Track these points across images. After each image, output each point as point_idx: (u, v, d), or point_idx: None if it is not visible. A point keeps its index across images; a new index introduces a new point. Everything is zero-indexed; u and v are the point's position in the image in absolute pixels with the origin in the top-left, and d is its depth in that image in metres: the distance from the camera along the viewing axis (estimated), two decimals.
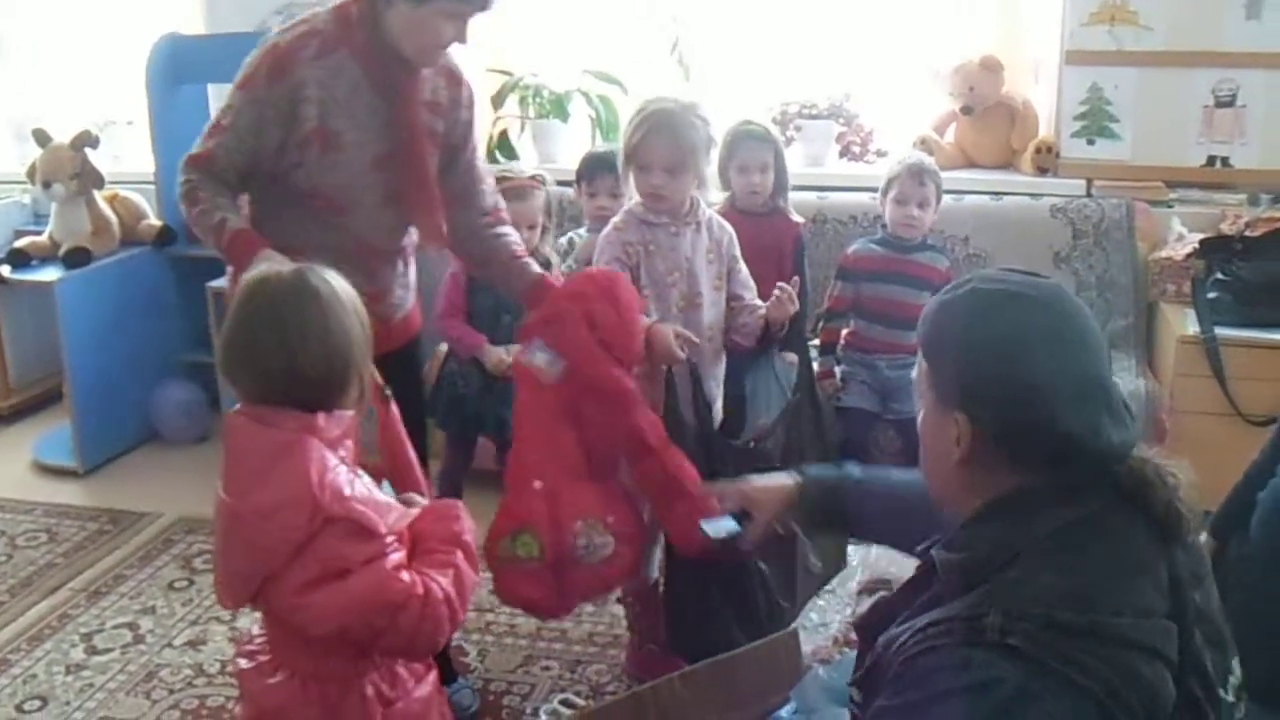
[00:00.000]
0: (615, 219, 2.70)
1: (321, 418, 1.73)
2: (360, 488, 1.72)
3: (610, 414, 2.37)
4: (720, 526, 2.14)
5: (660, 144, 2.57)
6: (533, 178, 3.41)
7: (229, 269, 2.47)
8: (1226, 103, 3.93)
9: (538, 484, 2.33)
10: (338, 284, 1.80)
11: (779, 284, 2.66)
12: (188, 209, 2.35)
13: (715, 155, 2.68)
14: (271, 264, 1.84)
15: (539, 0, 4.62)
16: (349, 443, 1.78)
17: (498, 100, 4.51)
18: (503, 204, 2.69)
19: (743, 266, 2.74)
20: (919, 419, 1.51)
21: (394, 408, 2.04)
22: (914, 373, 1.53)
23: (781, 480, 2.09)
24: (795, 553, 2.60)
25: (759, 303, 2.71)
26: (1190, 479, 1.39)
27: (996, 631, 1.26)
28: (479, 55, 4.55)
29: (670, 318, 2.61)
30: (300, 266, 1.80)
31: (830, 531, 2.23)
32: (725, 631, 2.43)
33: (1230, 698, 1.37)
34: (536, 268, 2.63)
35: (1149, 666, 1.26)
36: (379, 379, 1.95)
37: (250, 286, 1.78)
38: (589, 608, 3.17)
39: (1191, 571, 1.37)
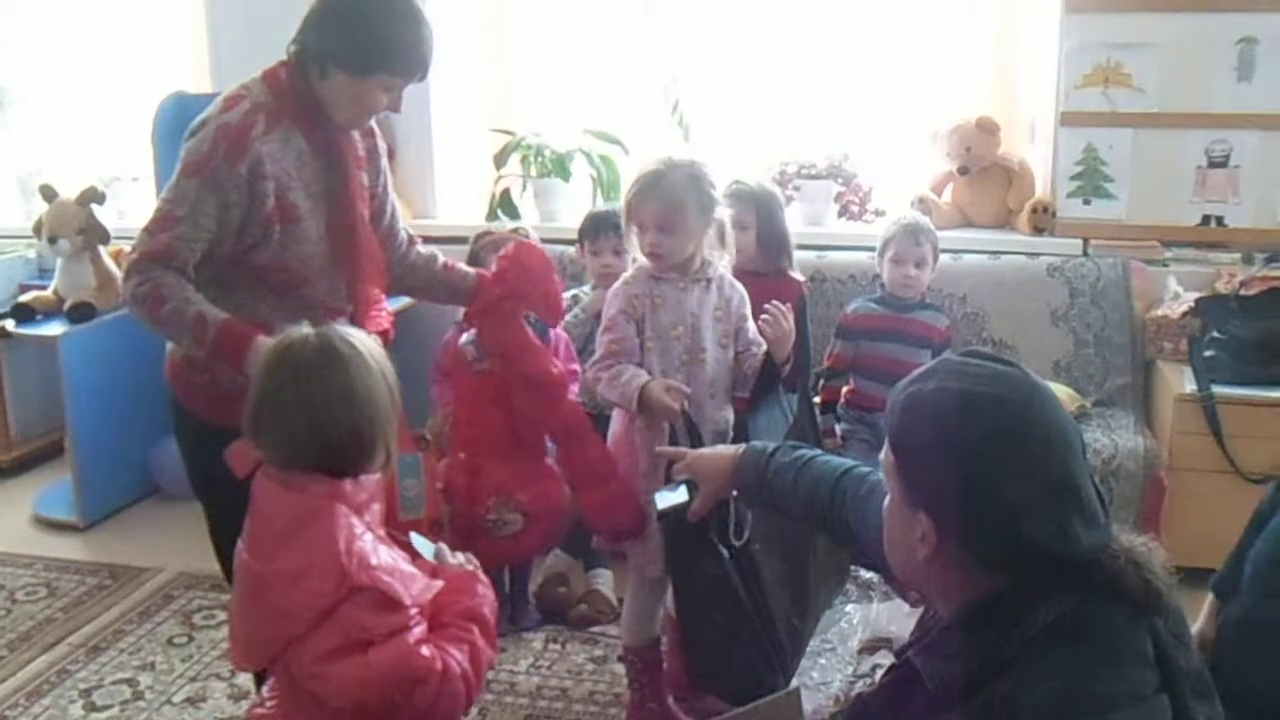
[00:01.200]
0: (627, 274, 2.74)
1: (349, 483, 1.73)
2: (385, 556, 1.72)
3: (538, 401, 2.62)
4: (669, 498, 2.23)
5: (650, 203, 2.62)
6: (515, 229, 3.45)
7: (153, 330, 2.36)
8: (1220, 163, 3.98)
9: (462, 455, 2.65)
10: (363, 344, 1.80)
11: (772, 302, 2.69)
12: (151, 310, 2.23)
13: (720, 213, 2.70)
14: (296, 328, 1.84)
15: (541, 61, 4.69)
16: (376, 506, 1.78)
17: (500, 159, 4.56)
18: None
19: (750, 326, 2.77)
20: (884, 505, 1.48)
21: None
22: (881, 456, 1.50)
23: (727, 451, 2.15)
24: (807, 571, 2.60)
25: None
26: (1161, 555, 1.39)
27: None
28: (481, 115, 4.61)
29: (672, 370, 2.64)
30: (325, 329, 1.81)
31: (760, 506, 2.19)
32: (744, 657, 2.41)
33: None
34: (470, 270, 2.75)
35: None
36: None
37: (276, 352, 1.79)
38: (590, 667, 3.17)
39: (1173, 634, 1.37)
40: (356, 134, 2.49)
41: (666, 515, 2.27)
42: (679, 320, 2.66)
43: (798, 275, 3.43)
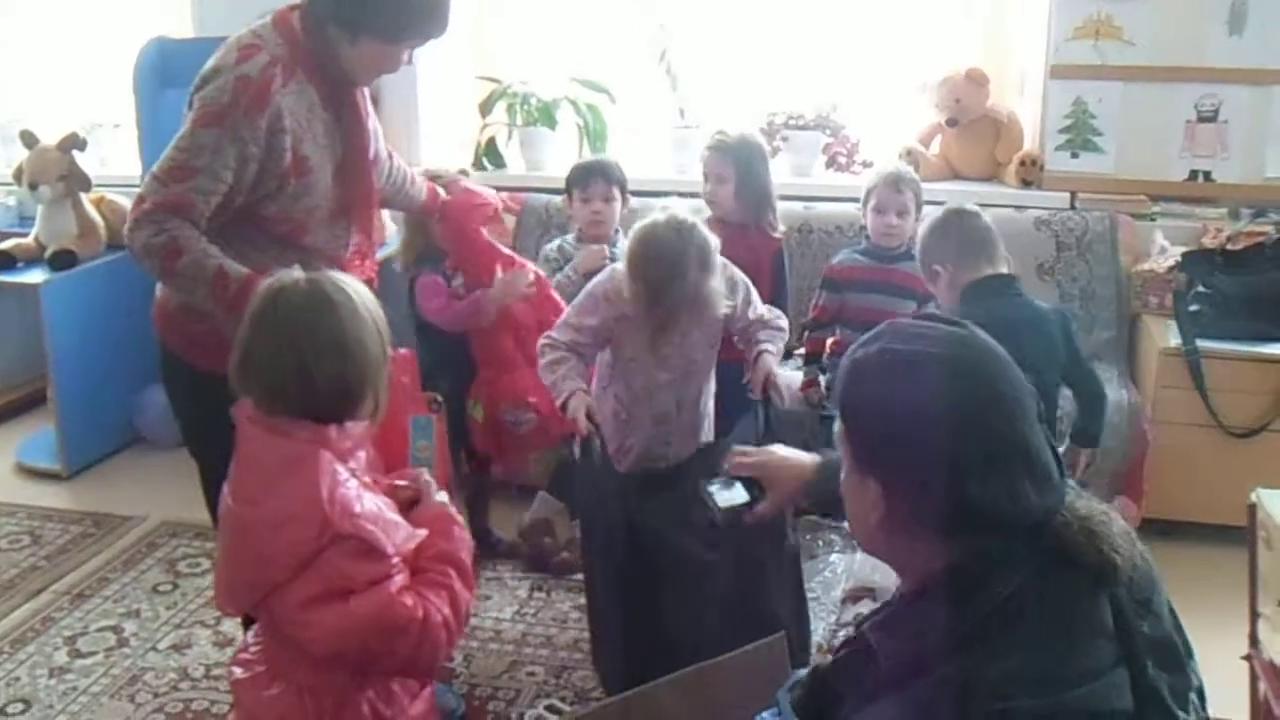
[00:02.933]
0: (616, 267, 2.78)
1: (334, 429, 1.73)
2: (369, 504, 1.72)
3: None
4: (728, 496, 2.05)
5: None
6: (461, 171, 3.45)
7: (164, 281, 2.37)
8: (1209, 117, 3.97)
9: (485, 373, 3.28)
10: (355, 291, 1.79)
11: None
12: (165, 262, 2.21)
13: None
14: (287, 273, 1.82)
15: (528, 9, 4.64)
16: (361, 455, 1.78)
17: (485, 108, 4.52)
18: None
19: (757, 303, 2.87)
20: (842, 475, 1.45)
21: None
22: (835, 426, 1.47)
23: (804, 459, 2.04)
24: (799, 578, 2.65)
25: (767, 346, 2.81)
26: (1121, 524, 1.36)
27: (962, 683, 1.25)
28: (468, 63, 4.56)
29: (655, 386, 2.79)
30: (317, 275, 1.79)
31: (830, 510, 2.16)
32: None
33: (1190, 717, 1.36)
34: (421, 189, 2.97)
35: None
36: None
37: (266, 296, 1.77)
38: (575, 615, 3.19)
39: (1137, 600, 1.35)
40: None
41: (728, 515, 2.07)
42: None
43: (778, 231, 3.42)
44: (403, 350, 2.54)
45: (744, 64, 4.52)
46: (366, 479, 1.78)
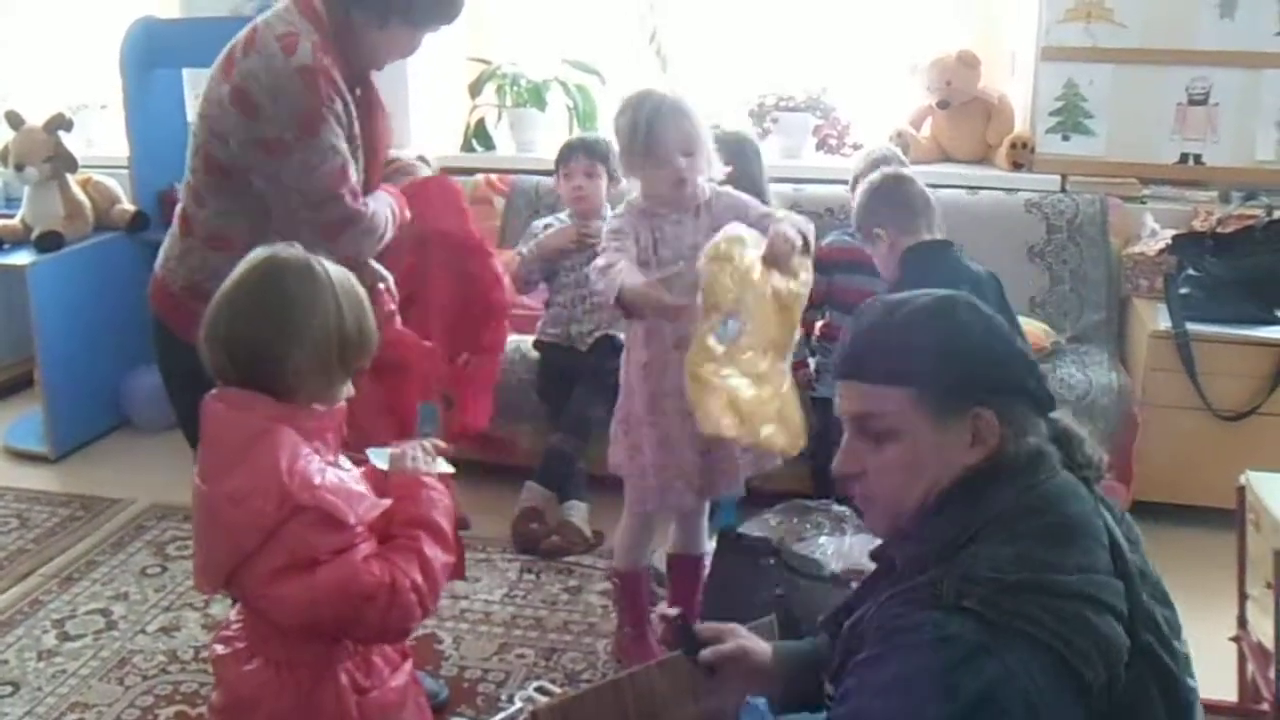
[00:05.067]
0: (617, 210, 2.74)
1: (299, 408, 1.73)
2: (331, 477, 1.71)
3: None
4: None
5: (671, 130, 2.59)
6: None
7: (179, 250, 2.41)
8: (1199, 100, 3.97)
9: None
10: (342, 281, 1.78)
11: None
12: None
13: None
14: (282, 245, 1.81)
15: None
16: (330, 435, 1.78)
17: (475, 89, 4.51)
18: None
19: (760, 207, 2.74)
20: (890, 456, 1.47)
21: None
22: (859, 406, 1.50)
23: (763, 652, 1.78)
24: None
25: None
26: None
27: (952, 595, 1.32)
28: (458, 44, 4.54)
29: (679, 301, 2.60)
30: (309, 254, 1.79)
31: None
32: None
33: (1187, 650, 1.42)
34: None
35: (1099, 617, 1.32)
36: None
37: (254, 265, 1.76)
38: (565, 597, 3.19)
39: (1128, 538, 1.44)
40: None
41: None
42: (679, 254, 2.63)
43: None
44: (426, 343, 2.56)
45: (734, 45, 4.50)
46: (331, 458, 1.77)
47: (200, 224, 2.35)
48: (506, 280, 2.92)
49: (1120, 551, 1.39)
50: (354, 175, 2.28)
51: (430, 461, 1.91)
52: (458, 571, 2.29)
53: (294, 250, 1.79)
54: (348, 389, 1.82)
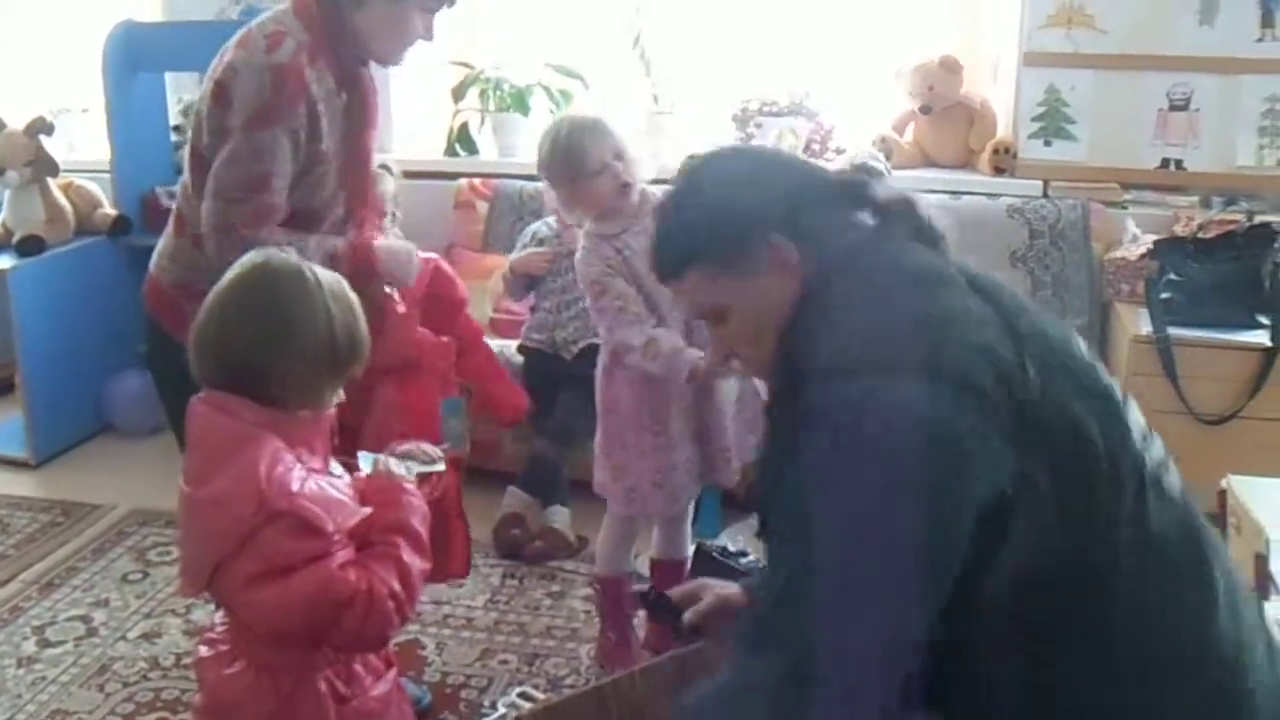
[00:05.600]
0: (582, 244, 2.71)
1: (281, 414, 1.72)
2: (311, 485, 1.71)
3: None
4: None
5: (601, 142, 2.63)
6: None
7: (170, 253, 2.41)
8: (1180, 106, 3.99)
9: None
10: (334, 289, 1.77)
11: None
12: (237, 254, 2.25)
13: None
14: (274, 251, 1.81)
15: None
16: (316, 442, 1.77)
17: (458, 93, 4.51)
18: None
19: None
20: (733, 327, 1.53)
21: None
22: (683, 302, 1.61)
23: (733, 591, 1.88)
24: None
25: None
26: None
27: (836, 370, 1.32)
28: (440, 48, 4.54)
29: (665, 315, 2.62)
30: (302, 261, 1.78)
31: None
32: None
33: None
34: None
35: (978, 333, 1.32)
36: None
37: (246, 269, 1.76)
38: (548, 602, 3.19)
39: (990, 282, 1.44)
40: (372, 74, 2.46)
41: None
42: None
43: None
44: (443, 338, 2.57)
45: (718, 50, 4.50)
46: (315, 465, 1.77)
47: (191, 222, 2.35)
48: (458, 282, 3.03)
49: (978, 284, 1.39)
50: (279, 196, 2.24)
51: (423, 464, 1.91)
52: (462, 568, 2.30)
53: (285, 257, 1.79)
54: (338, 395, 1.82)
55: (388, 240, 2.50)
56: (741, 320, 1.52)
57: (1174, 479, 1.40)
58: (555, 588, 3.29)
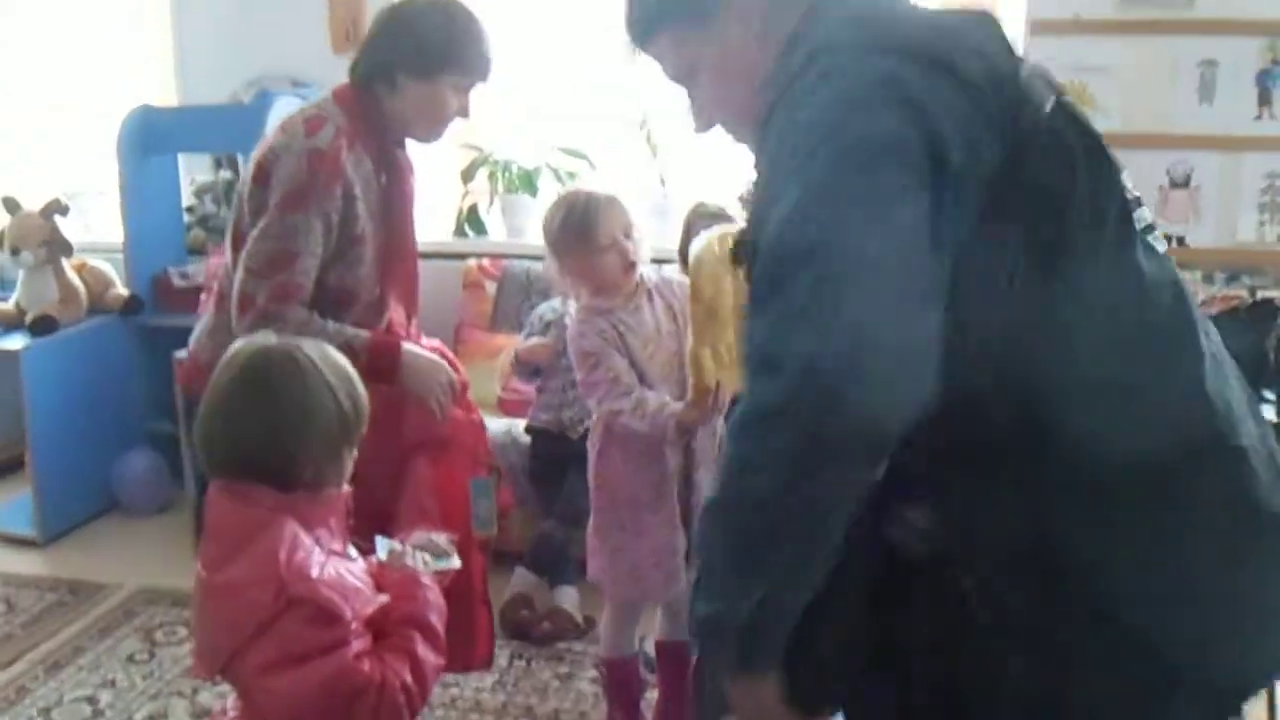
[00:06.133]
0: (576, 318, 2.73)
1: (301, 496, 1.73)
2: (330, 570, 1.71)
3: None
4: None
5: (611, 218, 2.67)
6: None
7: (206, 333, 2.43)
8: (1181, 183, 4.03)
9: None
10: (327, 360, 1.79)
11: None
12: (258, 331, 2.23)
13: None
14: (263, 337, 1.83)
15: (509, 76, 4.68)
16: (333, 521, 1.78)
17: (467, 175, 4.56)
18: None
19: None
20: (705, 84, 1.55)
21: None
22: (661, 68, 1.59)
23: None
24: None
25: None
26: None
27: (819, 51, 1.31)
28: (450, 130, 4.60)
29: (659, 388, 2.64)
30: (289, 343, 1.80)
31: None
32: None
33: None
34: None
35: (978, 43, 1.30)
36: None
37: (241, 359, 1.78)
38: (555, 684, 3.16)
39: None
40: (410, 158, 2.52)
41: None
42: (648, 339, 2.66)
43: None
44: (473, 416, 2.58)
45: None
46: (335, 546, 1.78)
47: (230, 300, 2.40)
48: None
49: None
50: (304, 276, 2.28)
51: (435, 559, 1.91)
52: (486, 659, 2.29)
53: (273, 342, 1.80)
54: (353, 458, 1.83)
55: (417, 349, 2.48)
56: (715, 77, 1.52)
57: (1162, 245, 1.41)
58: (563, 669, 3.27)
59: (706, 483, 2.68)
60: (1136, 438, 1.25)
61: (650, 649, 3.03)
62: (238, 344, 1.82)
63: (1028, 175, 1.25)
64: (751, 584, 1.23)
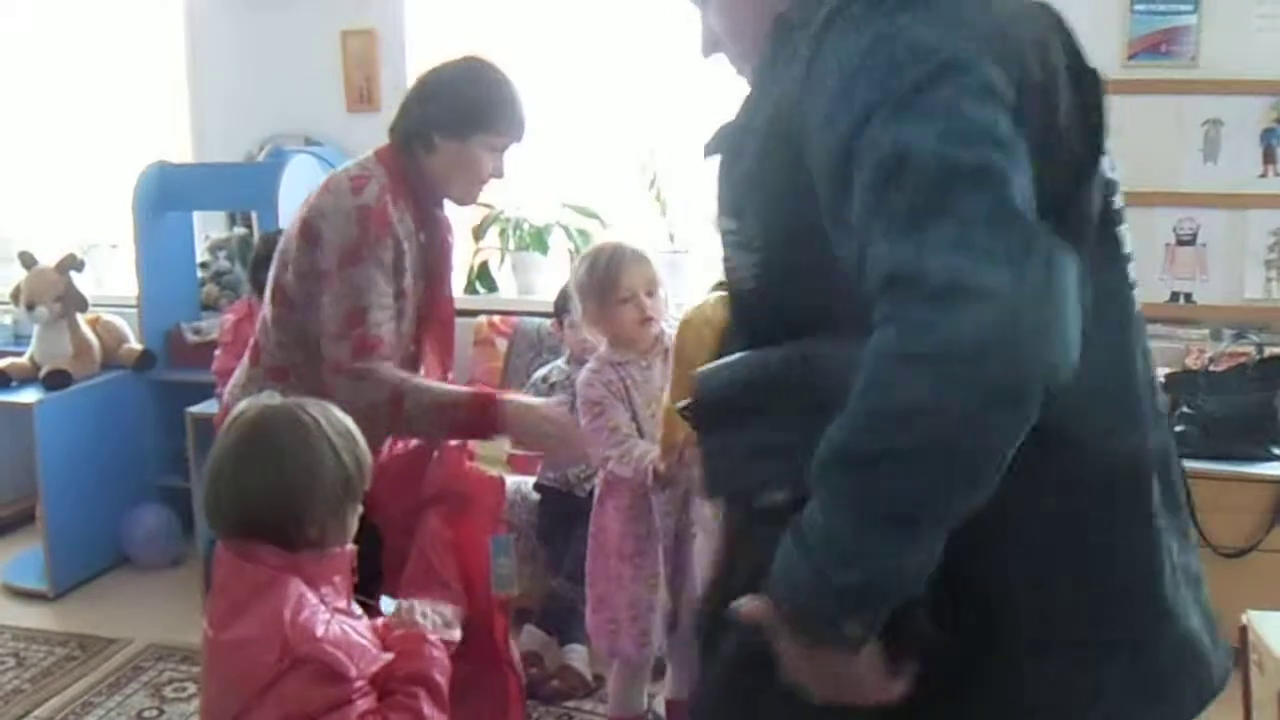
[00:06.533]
0: (590, 365, 2.79)
1: (306, 555, 1.74)
2: (335, 628, 1.72)
3: None
4: None
5: (637, 270, 2.74)
6: None
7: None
8: (1187, 241, 4.05)
9: None
10: (330, 420, 1.81)
11: None
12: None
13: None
14: (268, 397, 1.85)
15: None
16: (337, 579, 1.79)
17: (479, 232, 4.60)
18: None
19: None
20: (715, 5, 1.52)
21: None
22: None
23: None
24: None
25: None
26: None
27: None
28: None
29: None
30: (292, 403, 1.82)
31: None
32: None
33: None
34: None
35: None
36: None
37: (245, 420, 1.80)
38: None
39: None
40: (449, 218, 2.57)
41: None
42: (652, 398, 2.69)
43: None
44: (491, 474, 2.59)
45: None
46: (340, 603, 1.78)
47: (266, 354, 2.43)
48: None
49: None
50: (379, 329, 2.28)
51: (438, 624, 1.92)
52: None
53: (277, 402, 1.82)
54: (357, 515, 1.84)
55: (518, 398, 2.48)
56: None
57: (1129, 237, 1.40)
58: None
59: (698, 543, 2.68)
60: (1120, 438, 1.27)
61: (660, 708, 3.02)
62: (242, 404, 1.84)
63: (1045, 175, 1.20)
64: (909, 543, 1.10)
